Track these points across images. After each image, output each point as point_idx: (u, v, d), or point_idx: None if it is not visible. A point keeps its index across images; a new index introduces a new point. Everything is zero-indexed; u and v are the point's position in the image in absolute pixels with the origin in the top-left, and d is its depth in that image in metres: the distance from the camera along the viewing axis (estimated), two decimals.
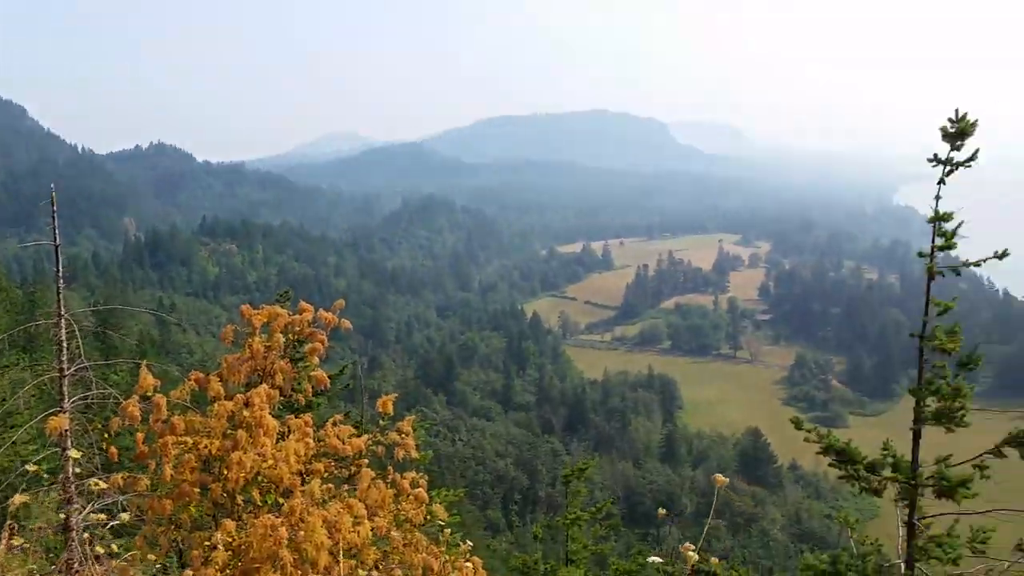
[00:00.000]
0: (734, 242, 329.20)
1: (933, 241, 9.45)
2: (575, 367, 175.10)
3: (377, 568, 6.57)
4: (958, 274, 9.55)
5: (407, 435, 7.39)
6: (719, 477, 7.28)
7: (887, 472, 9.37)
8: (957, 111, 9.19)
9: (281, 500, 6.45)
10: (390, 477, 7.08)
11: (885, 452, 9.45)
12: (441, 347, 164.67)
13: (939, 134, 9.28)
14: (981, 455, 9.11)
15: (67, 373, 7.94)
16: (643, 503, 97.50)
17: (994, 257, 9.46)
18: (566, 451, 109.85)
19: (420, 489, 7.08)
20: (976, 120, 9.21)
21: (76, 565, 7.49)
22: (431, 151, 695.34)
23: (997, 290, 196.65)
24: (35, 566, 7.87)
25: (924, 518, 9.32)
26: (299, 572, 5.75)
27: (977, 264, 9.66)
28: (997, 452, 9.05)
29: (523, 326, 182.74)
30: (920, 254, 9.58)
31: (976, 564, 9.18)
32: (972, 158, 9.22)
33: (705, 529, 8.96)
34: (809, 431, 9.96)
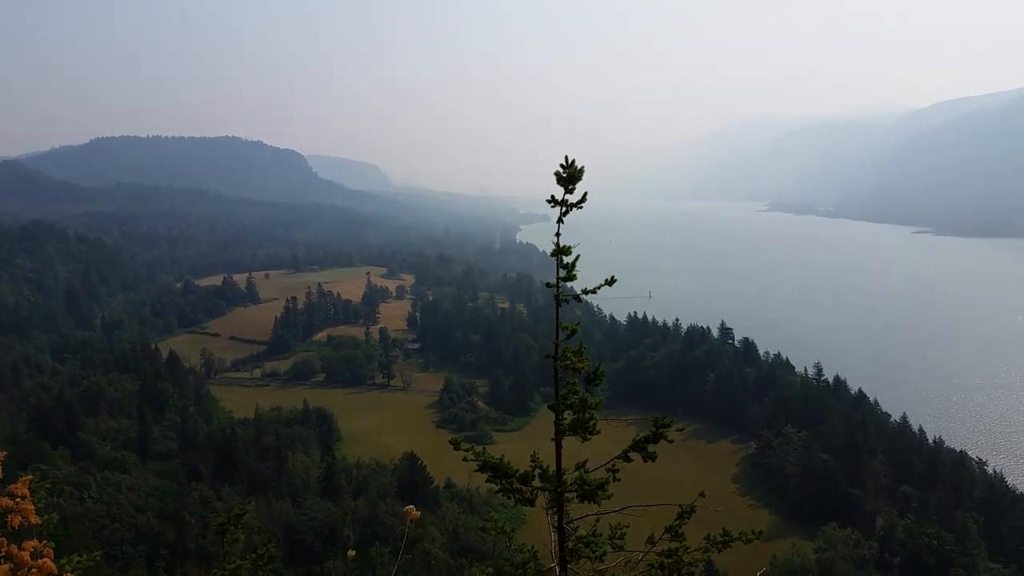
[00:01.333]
0: (381, 275, 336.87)
1: (557, 272, 10.41)
2: (222, 407, 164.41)
3: None
4: (579, 300, 10.77)
5: (23, 499, 6.32)
6: (411, 509, 7.29)
7: (537, 482, 10.23)
8: (567, 158, 10.29)
9: None
10: (3, 550, 5.97)
11: (533, 464, 10.34)
12: (59, 394, 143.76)
13: (553, 179, 10.35)
14: (612, 460, 10.40)
15: None
16: (304, 540, 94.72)
17: (605, 284, 10.86)
18: (217, 497, 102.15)
19: (46, 559, 6.09)
20: (583, 167, 10.41)
21: None
22: (35, 171, 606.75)
23: (605, 315, 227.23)
24: None
25: (571, 521, 10.32)
26: None
27: (593, 291, 10.95)
28: (625, 457, 10.41)
29: (159, 366, 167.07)
30: (548, 284, 10.51)
31: (617, 558, 10.43)
32: (582, 200, 10.35)
33: (397, 563, 8.94)
34: (467, 450, 10.50)
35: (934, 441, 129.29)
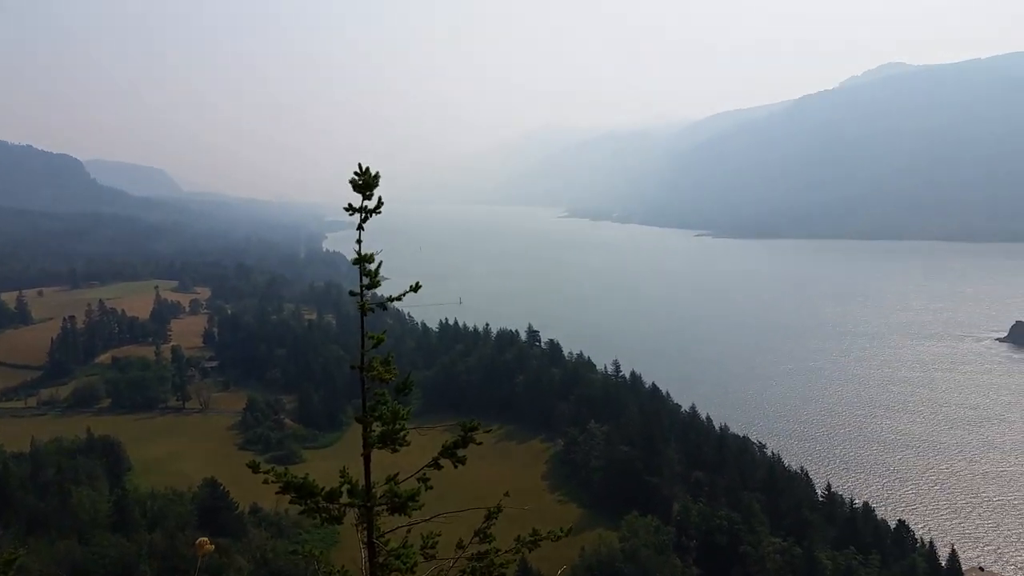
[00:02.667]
0: (172, 289, 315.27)
1: (361, 280, 10.19)
2: None
3: None
4: (385, 308, 10.58)
5: None
6: (203, 542, 6.73)
7: (345, 498, 9.89)
8: (361, 165, 10.13)
9: None
10: None
11: (342, 479, 10.00)
12: None
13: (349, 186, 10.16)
14: (423, 468, 10.28)
15: None
16: None
17: (410, 290, 10.76)
18: None
19: None
20: (378, 173, 10.29)
21: None
22: None
23: (417, 323, 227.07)
24: None
25: (382, 535, 10.08)
26: None
27: (399, 298, 10.83)
28: (435, 464, 10.33)
29: None
30: (351, 293, 10.24)
31: (430, 568, 10.31)
32: (379, 206, 10.21)
33: None
34: (267, 472, 9.96)
35: (720, 429, 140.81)
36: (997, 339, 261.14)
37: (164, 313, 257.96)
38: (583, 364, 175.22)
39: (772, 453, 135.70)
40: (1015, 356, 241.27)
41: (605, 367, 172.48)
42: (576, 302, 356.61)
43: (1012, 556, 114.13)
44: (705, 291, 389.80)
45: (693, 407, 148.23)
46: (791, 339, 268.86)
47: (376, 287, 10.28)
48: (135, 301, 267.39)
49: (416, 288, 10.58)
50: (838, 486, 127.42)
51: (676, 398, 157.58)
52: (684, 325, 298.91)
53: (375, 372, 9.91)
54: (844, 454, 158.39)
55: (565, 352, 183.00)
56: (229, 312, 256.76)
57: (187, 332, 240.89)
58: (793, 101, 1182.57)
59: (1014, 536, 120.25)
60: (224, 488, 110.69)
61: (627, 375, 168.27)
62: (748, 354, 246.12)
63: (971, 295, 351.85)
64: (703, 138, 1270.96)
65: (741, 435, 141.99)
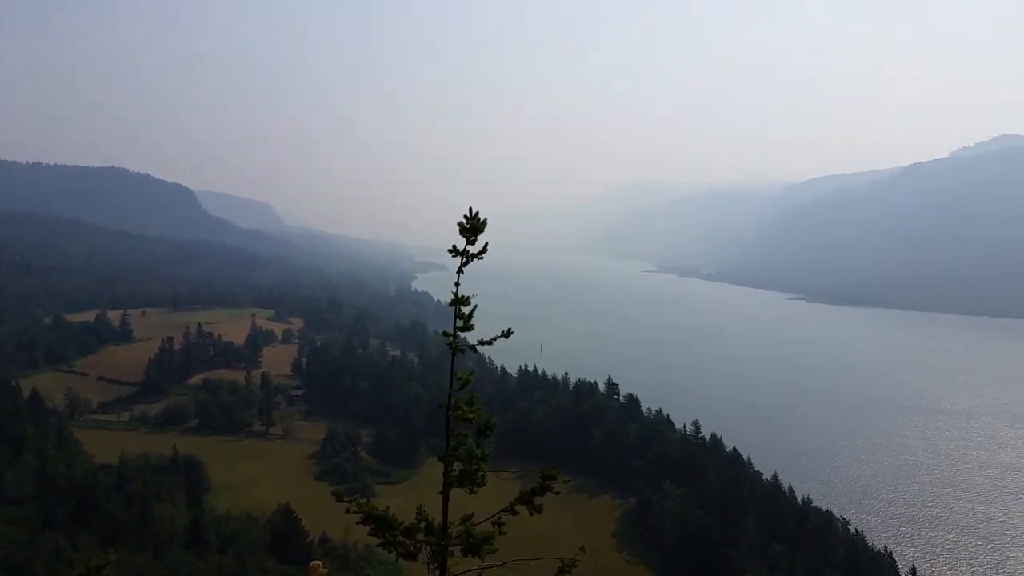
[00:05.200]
0: (268, 317, 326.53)
1: (455, 322, 10.50)
2: (85, 451, 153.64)
3: None
4: (475, 351, 10.86)
5: None
6: (316, 565, 6.97)
7: (421, 535, 10.11)
8: (471, 210, 10.51)
9: None
10: None
11: (419, 516, 10.23)
12: None
13: (456, 230, 10.48)
14: (498, 512, 10.42)
15: None
16: None
17: (502, 336, 11.00)
18: (73, 548, 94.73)
19: None
20: (486, 219, 10.66)
21: None
22: None
23: (497, 368, 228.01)
24: None
25: None
26: None
27: (490, 342, 11.07)
28: (511, 510, 10.45)
29: (18, 405, 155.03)
30: (445, 334, 10.56)
31: None
32: (483, 251, 10.53)
33: None
34: (350, 502, 10.30)
35: (802, 501, 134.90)
36: None
37: (258, 340, 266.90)
38: (661, 421, 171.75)
39: (856, 530, 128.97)
40: None
41: (684, 427, 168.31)
42: (658, 358, 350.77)
43: None
44: (795, 357, 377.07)
45: (775, 476, 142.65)
46: (885, 414, 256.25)
47: (469, 330, 10.60)
48: (232, 326, 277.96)
49: (507, 334, 10.85)
50: (924, 571, 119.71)
51: (758, 465, 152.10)
52: (771, 390, 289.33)
53: (460, 412, 10.17)
54: (932, 538, 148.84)
55: (644, 408, 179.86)
56: (318, 343, 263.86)
57: (278, 360, 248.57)
58: (900, 169, 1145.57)
59: None
60: (296, 516, 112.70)
61: (707, 437, 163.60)
62: (838, 427, 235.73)
63: None
64: (801, 201, 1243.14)
65: (824, 509, 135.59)
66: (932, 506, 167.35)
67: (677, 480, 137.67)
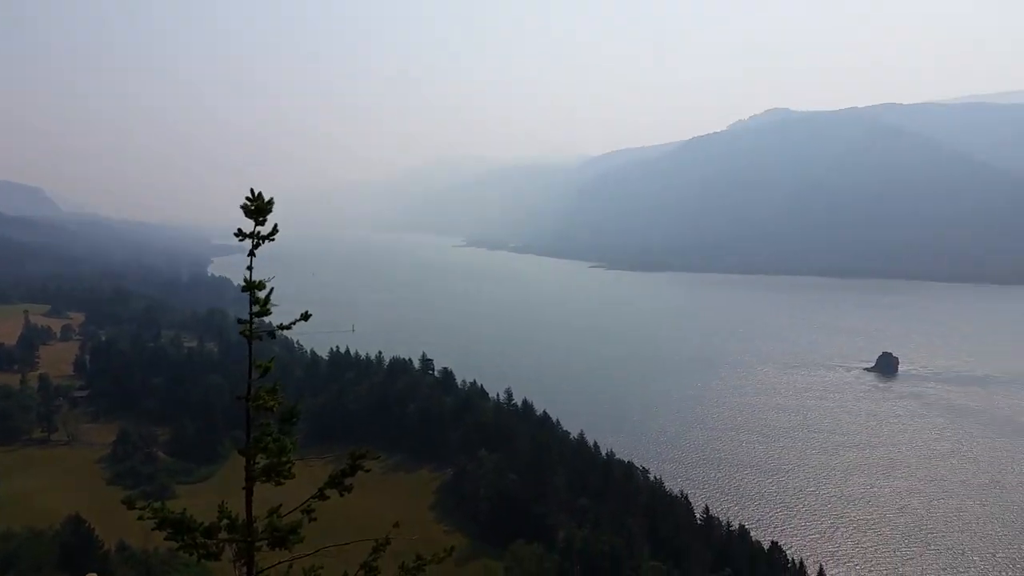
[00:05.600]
0: (43, 313, 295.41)
1: (250, 308, 10.01)
2: None
3: None
4: (273, 336, 10.41)
5: None
6: None
7: (224, 534, 9.60)
8: (253, 190, 10.00)
9: None
10: None
11: (221, 514, 9.71)
12: None
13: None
14: (307, 501, 10.11)
15: None
16: None
17: (301, 319, 10.63)
18: None
19: None
20: (272, 199, 10.17)
21: None
22: None
23: (306, 351, 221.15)
24: None
25: (261, 572, 9.83)
26: None
27: (289, 327, 10.68)
28: (321, 495, 10.18)
29: None
30: (239, 320, 10.04)
31: None
32: (274, 232, 10.06)
33: None
34: (143, 508, 9.59)
35: (607, 455, 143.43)
36: (865, 369, 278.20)
37: (33, 339, 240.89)
38: (476, 393, 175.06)
39: (655, 478, 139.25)
40: (880, 385, 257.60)
41: (498, 396, 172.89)
42: (470, 331, 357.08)
43: (868, 574, 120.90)
44: (597, 321, 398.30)
45: (581, 434, 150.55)
46: (675, 368, 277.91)
47: (266, 315, 10.11)
48: (1, 326, 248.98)
49: (306, 317, 10.49)
50: (716, 509, 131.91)
51: (566, 425, 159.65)
52: (576, 354, 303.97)
53: (261, 401, 9.73)
54: (722, 479, 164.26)
55: (459, 381, 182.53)
56: (103, 338, 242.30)
57: (57, 359, 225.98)
58: (683, 142, 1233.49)
59: (870, 554, 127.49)
60: (89, 525, 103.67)
61: (519, 403, 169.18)
62: (635, 382, 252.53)
63: (843, 328, 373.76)
64: (598, 173, 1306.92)
65: (626, 461, 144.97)
66: (720, 449, 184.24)
67: (491, 447, 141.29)
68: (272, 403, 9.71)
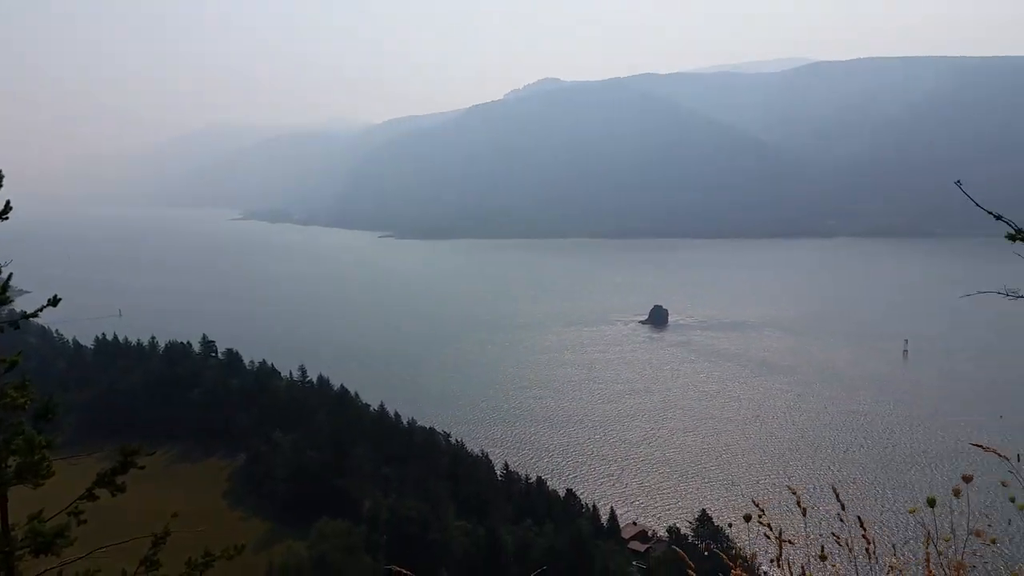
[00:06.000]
0: None
1: None
2: None
3: None
4: (17, 327, 9.32)
5: None
6: None
7: None
8: None
9: None
10: None
11: None
12: None
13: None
14: (74, 502, 9.23)
15: None
16: None
17: (49, 305, 9.60)
18: None
19: None
20: (1, 172, 8.98)
21: None
22: None
23: (68, 341, 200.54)
24: None
25: None
26: None
27: (35, 315, 9.59)
28: (90, 495, 9.32)
29: None
30: None
31: None
32: (7, 211, 8.94)
33: None
34: None
35: (408, 423, 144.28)
36: (640, 321, 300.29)
37: None
38: (266, 372, 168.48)
39: (456, 441, 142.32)
40: (653, 336, 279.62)
41: (291, 373, 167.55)
42: (258, 309, 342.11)
43: (655, 510, 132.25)
44: (389, 291, 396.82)
45: (382, 405, 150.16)
46: (470, 332, 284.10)
47: (6, 303, 9.07)
48: None
49: (55, 302, 9.49)
50: (515, 464, 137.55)
51: (365, 397, 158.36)
52: (370, 324, 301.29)
53: (8, 399, 8.74)
54: (519, 434, 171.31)
55: (247, 361, 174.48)
56: None
57: None
58: (464, 110, 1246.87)
59: (656, 491, 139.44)
60: None
61: (314, 379, 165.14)
62: (431, 349, 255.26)
63: (620, 285, 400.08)
64: (382, 142, 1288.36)
65: (427, 427, 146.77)
66: (516, 407, 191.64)
67: (288, 427, 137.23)
68: (22, 400, 8.74)
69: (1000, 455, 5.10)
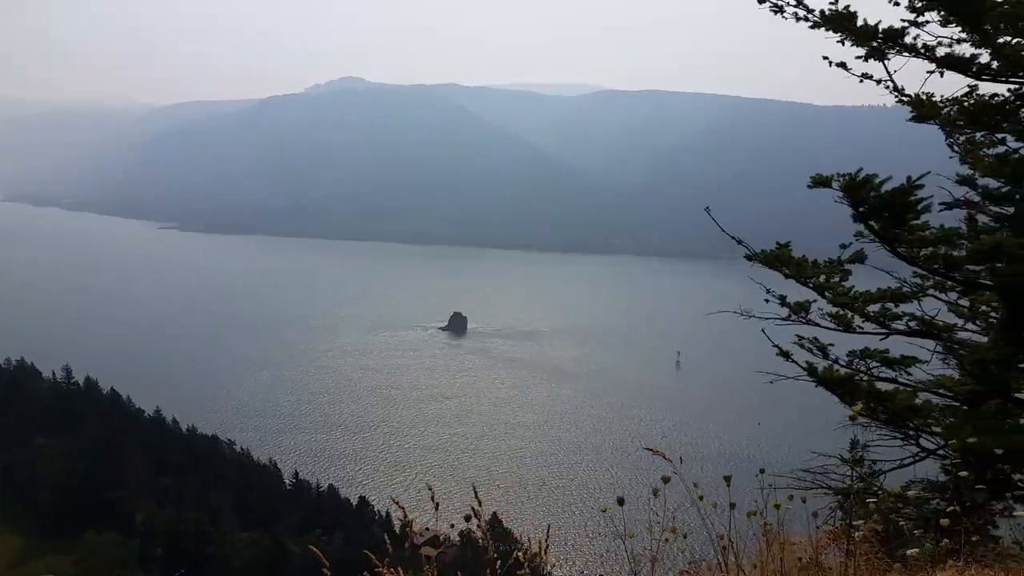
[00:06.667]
0: None
1: None
2: None
3: None
4: None
5: None
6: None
7: None
8: None
9: None
10: None
11: None
12: None
13: None
14: None
15: None
16: None
17: None
18: None
19: None
20: None
21: None
22: None
23: None
24: None
25: None
26: None
27: None
28: None
29: None
30: None
31: None
32: None
33: None
34: None
35: (188, 430, 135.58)
36: (439, 328, 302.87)
37: None
38: (24, 372, 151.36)
39: (242, 448, 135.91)
40: (452, 342, 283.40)
41: (54, 374, 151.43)
42: (11, 301, 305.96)
43: (448, 514, 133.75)
44: (172, 287, 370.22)
45: (158, 410, 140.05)
46: (260, 335, 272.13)
47: None
48: None
49: None
50: (306, 473, 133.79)
51: (140, 402, 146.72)
52: (149, 324, 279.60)
53: None
54: (311, 442, 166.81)
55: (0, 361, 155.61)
56: None
57: None
58: (261, 100, 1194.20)
59: (447, 496, 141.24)
60: None
61: (80, 381, 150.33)
62: (218, 352, 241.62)
63: (422, 290, 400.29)
64: (168, 125, 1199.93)
65: (210, 435, 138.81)
66: (309, 413, 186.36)
67: (51, 433, 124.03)
68: None
69: (666, 458, 5.91)
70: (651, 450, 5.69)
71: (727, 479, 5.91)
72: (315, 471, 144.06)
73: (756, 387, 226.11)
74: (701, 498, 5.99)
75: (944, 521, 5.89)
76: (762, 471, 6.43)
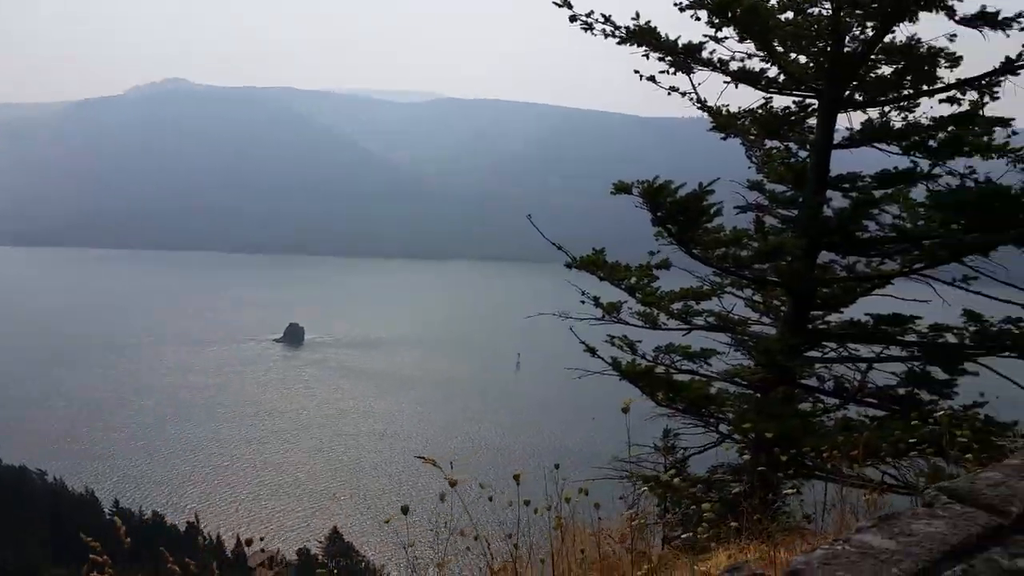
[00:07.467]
0: None
1: None
2: None
3: None
4: None
5: None
6: None
7: None
8: None
9: None
10: None
11: None
12: None
13: None
14: None
15: None
16: None
17: None
18: None
19: None
20: None
21: None
22: None
23: None
24: None
25: None
26: None
27: None
28: None
29: None
30: None
31: None
32: None
33: None
34: None
35: None
36: (274, 340, 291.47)
37: None
38: None
39: (55, 479, 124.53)
40: (288, 354, 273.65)
41: None
42: None
43: (285, 533, 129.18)
44: None
45: None
46: (72, 355, 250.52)
47: None
48: None
49: None
50: (128, 501, 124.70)
51: None
52: None
53: None
54: (133, 467, 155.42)
55: None
56: None
57: None
58: (75, 102, 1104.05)
59: (286, 514, 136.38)
60: None
61: None
62: (23, 374, 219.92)
63: (254, 302, 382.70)
64: None
65: (17, 465, 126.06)
66: (132, 436, 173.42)
67: None
68: None
69: (437, 466, 6.04)
70: (422, 458, 5.67)
71: (516, 478, 6.02)
72: (139, 498, 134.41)
73: (594, 384, 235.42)
74: (491, 499, 6.11)
75: (706, 506, 6.28)
76: (556, 466, 6.60)
